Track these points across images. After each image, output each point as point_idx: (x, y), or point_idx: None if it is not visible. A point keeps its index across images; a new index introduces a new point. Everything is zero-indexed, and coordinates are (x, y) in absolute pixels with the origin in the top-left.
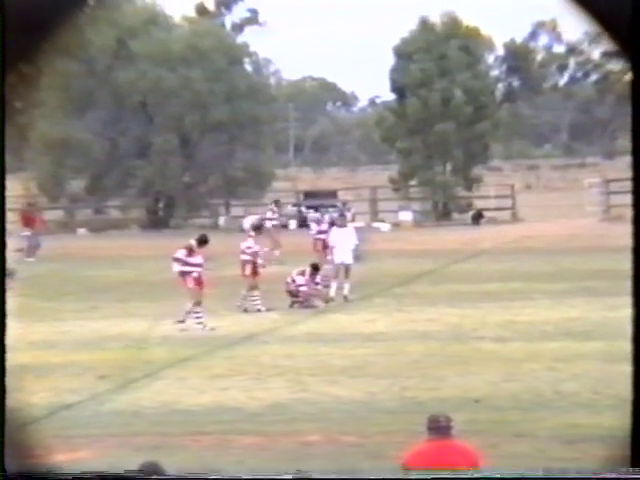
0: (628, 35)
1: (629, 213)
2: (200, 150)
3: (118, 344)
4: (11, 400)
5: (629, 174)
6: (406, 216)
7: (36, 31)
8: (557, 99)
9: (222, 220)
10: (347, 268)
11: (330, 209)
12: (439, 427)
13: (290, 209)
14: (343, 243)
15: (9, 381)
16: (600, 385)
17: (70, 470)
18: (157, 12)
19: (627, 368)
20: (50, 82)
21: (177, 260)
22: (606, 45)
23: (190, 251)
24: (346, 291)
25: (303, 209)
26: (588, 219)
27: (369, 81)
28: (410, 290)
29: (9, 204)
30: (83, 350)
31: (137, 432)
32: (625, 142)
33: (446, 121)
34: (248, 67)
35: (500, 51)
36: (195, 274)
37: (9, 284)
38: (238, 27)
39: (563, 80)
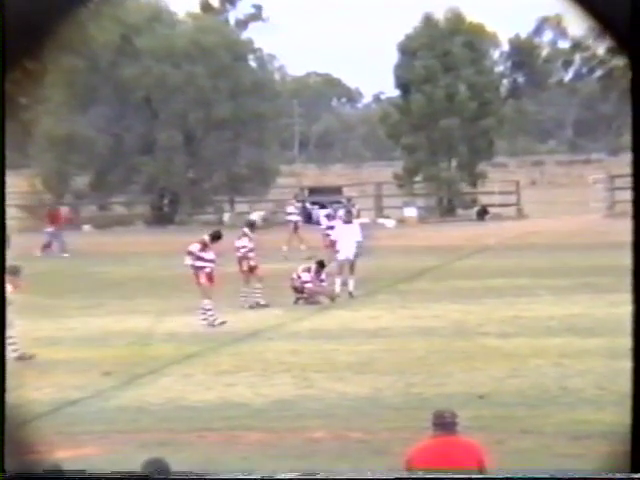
0: (627, 33)
1: None
2: (204, 146)
3: (123, 340)
4: (13, 397)
5: None
6: (411, 212)
7: (40, 28)
8: (562, 95)
9: (227, 216)
10: (352, 264)
11: (335, 205)
12: (444, 423)
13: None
14: (348, 239)
15: (9, 380)
16: (605, 381)
17: (71, 469)
18: (161, 8)
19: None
20: (54, 78)
21: (190, 254)
22: (610, 41)
23: (204, 246)
24: (351, 287)
25: (308, 205)
26: (593, 215)
27: (374, 77)
28: (415, 286)
29: (15, 200)
30: (88, 346)
31: (142, 428)
32: (630, 138)
33: (451, 117)
34: (252, 63)
35: (505, 47)
36: (208, 269)
37: (16, 282)
38: (242, 23)
39: (568, 76)
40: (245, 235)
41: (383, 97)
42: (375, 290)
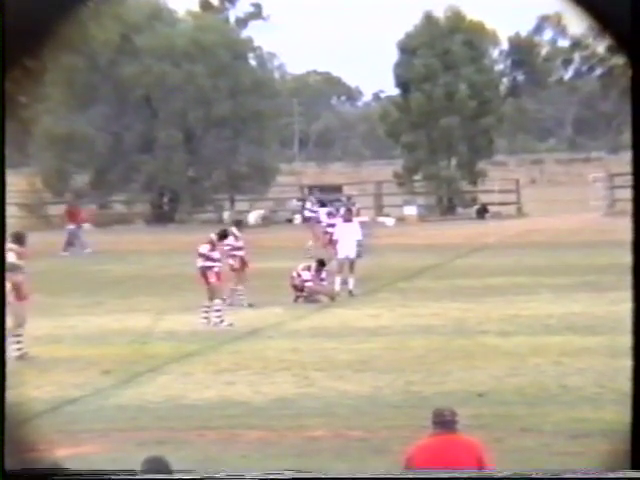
0: (627, 31)
1: None
2: (204, 145)
3: (122, 339)
4: (13, 396)
5: None
6: (411, 211)
7: (40, 26)
8: (562, 93)
9: (226, 215)
10: (352, 263)
11: (336, 203)
12: (444, 421)
13: (295, 204)
14: (348, 237)
15: (9, 378)
16: (605, 379)
17: (71, 468)
18: (161, 7)
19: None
20: (54, 77)
21: (202, 255)
22: (610, 40)
23: (213, 246)
24: (351, 286)
25: (308, 204)
26: (592, 214)
27: (373, 76)
28: (415, 285)
29: (15, 199)
30: (87, 345)
31: (142, 427)
32: (630, 136)
33: (450, 116)
34: (252, 62)
35: (504, 45)
36: (216, 269)
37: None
38: (242, 22)
39: (568, 74)
40: (231, 234)
41: (383, 95)
42: (375, 289)
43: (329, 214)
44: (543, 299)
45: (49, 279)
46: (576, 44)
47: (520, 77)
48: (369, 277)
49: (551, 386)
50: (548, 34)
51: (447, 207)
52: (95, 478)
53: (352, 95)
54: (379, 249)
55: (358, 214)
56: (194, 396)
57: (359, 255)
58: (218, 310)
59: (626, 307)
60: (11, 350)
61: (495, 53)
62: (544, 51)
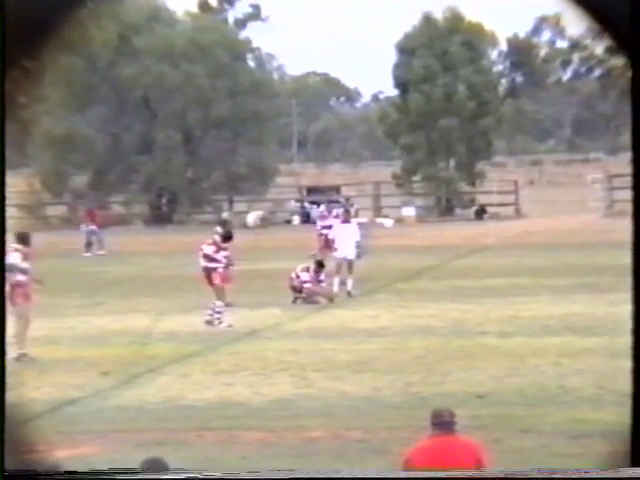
0: (626, 32)
1: None
2: (203, 146)
3: (122, 340)
4: (13, 396)
5: None
6: (409, 212)
7: (39, 27)
8: (560, 94)
9: (225, 216)
10: (350, 263)
11: (330, 204)
12: (443, 422)
13: (293, 205)
14: (346, 238)
15: (9, 379)
16: (604, 380)
17: (71, 468)
18: (160, 8)
19: (630, 363)
20: (53, 78)
21: (206, 256)
22: (608, 41)
23: (217, 247)
24: (349, 287)
25: (307, 205)
26: (591, 215)
27: (372, 77)
28: (413, 285)
29: (14, 199)
30: (87, 346)
31: (141, 428)
32: (628, 138)
33: (449, 117)
34: (251, 63)
35: (503, 46)
36: (221, 270)
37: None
38: (241, 22)
39: (566, 75)
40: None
41: (382, 96)
42: (374, 289)
43: (321, 216)
44: (542, 300)
45: (48, 279)
46: (575, 45)
47: (519, 78)
48: (368, 278)
49: (550, 387)
50: (547, 35)
51: (446, 208)
52: (94, 479)
53: (351, 96)
54: (378, 250)
55: (357, 215)
56: (193, 397)
57: (358, 256)
58: (219, 312)
59: (625, 308)
60: (13, 351)
61: (494, 54)
62: (543, 52)
